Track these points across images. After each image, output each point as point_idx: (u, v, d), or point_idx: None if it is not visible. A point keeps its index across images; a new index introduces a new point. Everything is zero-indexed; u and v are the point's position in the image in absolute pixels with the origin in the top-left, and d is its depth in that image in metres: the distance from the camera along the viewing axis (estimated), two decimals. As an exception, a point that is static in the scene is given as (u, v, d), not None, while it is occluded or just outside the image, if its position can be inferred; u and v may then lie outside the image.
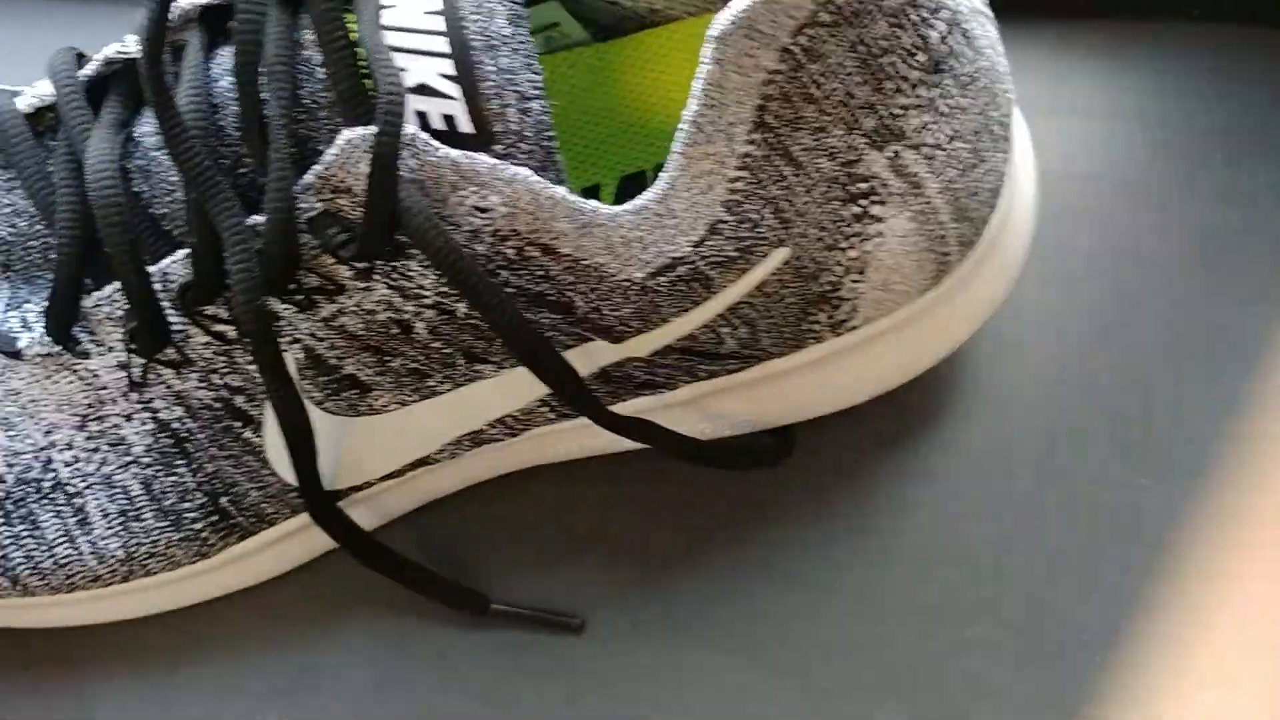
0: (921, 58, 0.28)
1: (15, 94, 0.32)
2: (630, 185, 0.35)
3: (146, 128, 0.30)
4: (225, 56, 0.29)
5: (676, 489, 0.35)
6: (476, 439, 0.33)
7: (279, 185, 0.27)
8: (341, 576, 0.35)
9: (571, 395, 0.29)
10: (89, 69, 0.31)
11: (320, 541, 0.35)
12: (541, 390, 0.31)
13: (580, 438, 0.34)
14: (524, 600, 0.35)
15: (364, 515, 0.34)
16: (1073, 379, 0.36)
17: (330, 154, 0.27)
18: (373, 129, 0.27)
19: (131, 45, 0.30)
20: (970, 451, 0.35)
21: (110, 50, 0.31)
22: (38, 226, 0.31)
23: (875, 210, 0.29)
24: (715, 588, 0.35)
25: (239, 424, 0.32)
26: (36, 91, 0.31)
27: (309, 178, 0.28)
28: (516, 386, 0.31)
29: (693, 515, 0.35)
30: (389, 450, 0.32)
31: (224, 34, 0.30)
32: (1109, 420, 0.35)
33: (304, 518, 0.34)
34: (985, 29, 0.29)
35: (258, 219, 0.28)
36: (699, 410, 0.33)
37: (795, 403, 0.33)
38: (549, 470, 0.35)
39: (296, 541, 0.34)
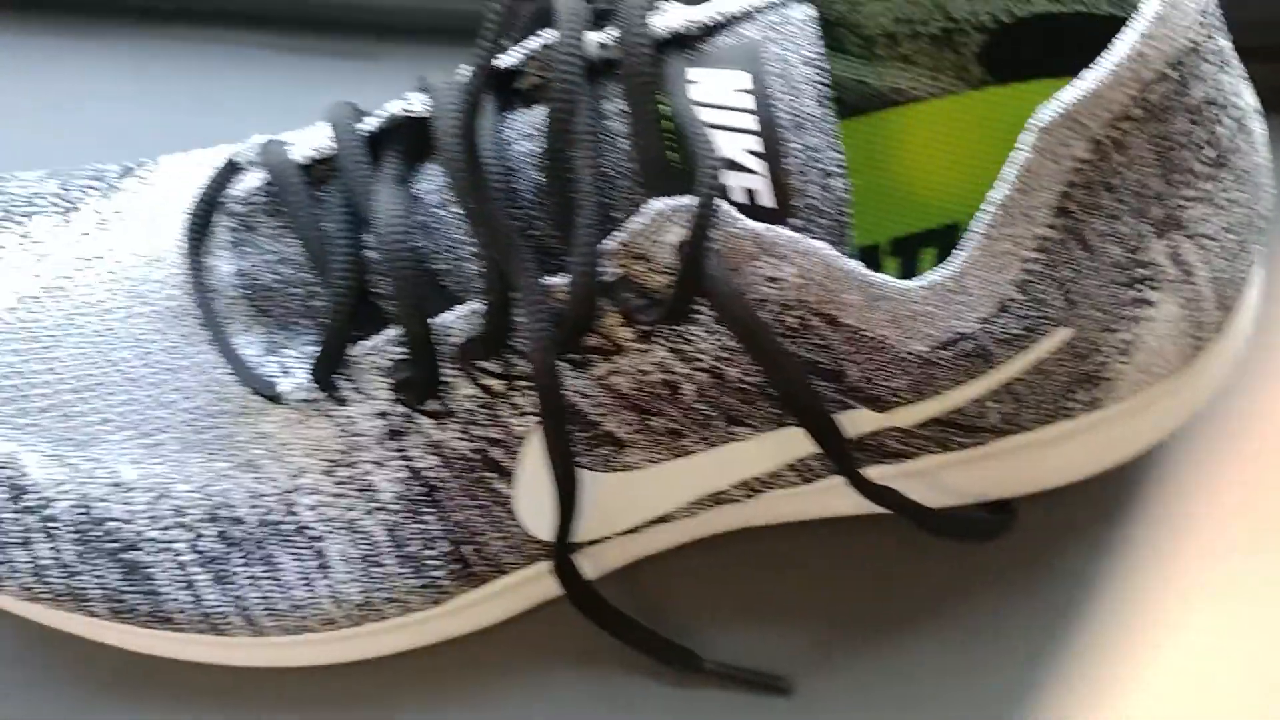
0: (1210, 152, 0.29)
1: (286, 144, 0.32)
2: (863, 258, 0.36)
3: (427, 185, 0.31)
4: (520, 121, 0.30)
5: (895, 556, 0.36)
6: (718, 498, 0.33)
7: (585, 250, 0.28)
8: (554, 626, 0.36)
9: (840, 460, 0.30)
10: (368, 124, 0.31)
11: (539, 592, 0.35)
12: (792, 455, 0.32)
13: (811, 501, 0.34)
14: (732, 659, 0.35)
15: (586, 567, 0.35)
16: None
17: (636, 222, 0.28)
18: (680, 200, 0.28)
19: (416, 104, 0.31)
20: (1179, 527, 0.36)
21: (394, 107, 0.31)
22: (303, 275, 0.32)
23: (1150, 295, 0.30)
24: (927, 657, 0.35)
25: (493, 475, 0.32)
26: (309, 143, 0.32)
27: (610, 244, 0.28)
28: (769, 450, 0.32)
29: (909, 583, 0.36)
30: (634, 506, 0.33)
31: (511, 99, 0.31)
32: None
33: (534, 568, 0.34)
34: (1260, 127, 0.30)
35: (551, 280, 0.29)
36: (927, 480, 0.34)
37: (1024, 477, 0.34)
38: (764, 529, 0.36)
39: (522, 591, 0.35)
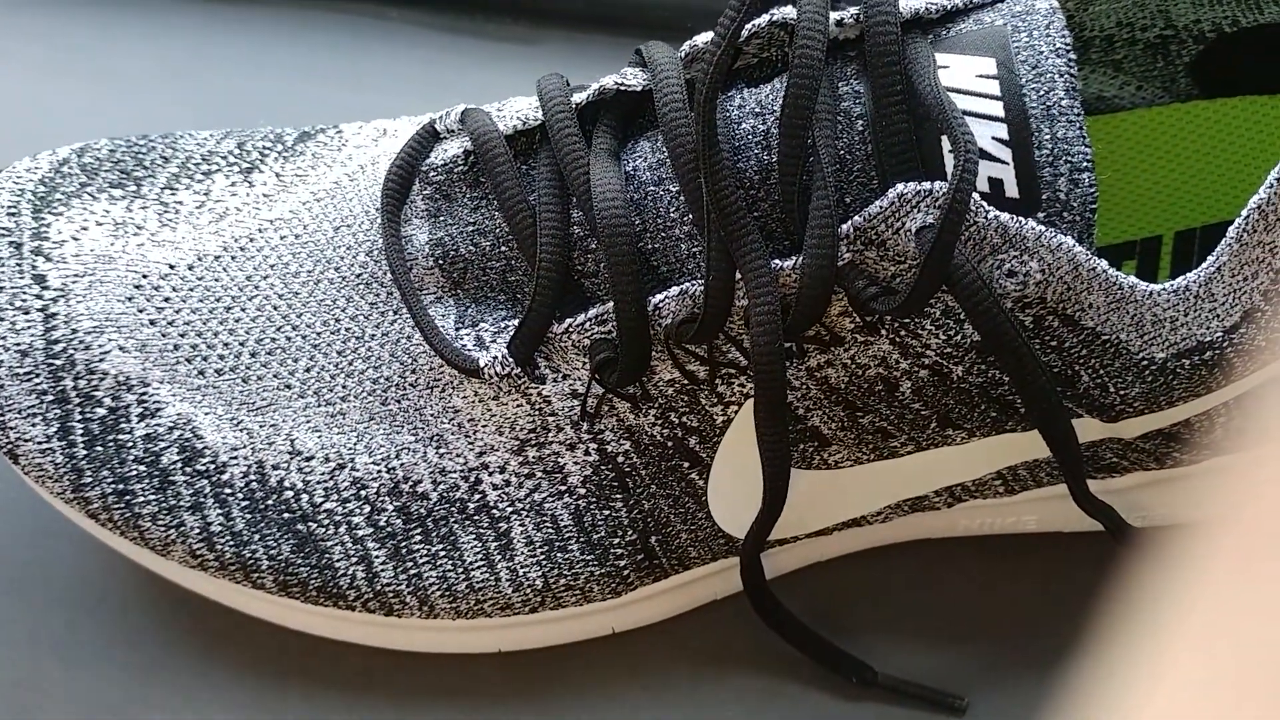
0: None
1: (488, 112, 0.32)
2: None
3: (640, 161, 0.30)
4: (745, 99, 0.29)
5: (1074, 576, 0.35)
6: (916, 504, 0.32)
7: (822, 232, 0.27)
8: (722, 628, 0.35)
9: (1072, 468, 0.29)
10: (580, 96, 0.31)
11: (712, 590, 0.34)
12: (1003, 463, 0.31)
13: (1004, 514, 0.33)
14: (907, 673, 0.34)
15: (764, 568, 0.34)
16: None
17: (876, 206, 0.27)
18: (928, 185, 0.27)
19: (631, 77, 0.30)
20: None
21: (608, 81, 0.30)
22: (502, 248, 0.31)
23: (1394, 315, 0.29)
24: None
25: (687, 464, 0.31)
26: (515, 112, 0.31)
27: (846, 227, 0.27)
28: (980, 457, 0.31)
29: (1088, 603, 0.35)
30: (830, 507, 0.32)
31: (733, 77, 0.30)
32: None
33: (714, 566, 0.33)
34: None
35: (778, 263, 0.28)
36: (1125, 500, 0.33)
37: (1219, 500, 0.33)
38: (944, 542, 0.35)
39: (695, 588, 0.34)
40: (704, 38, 0.30)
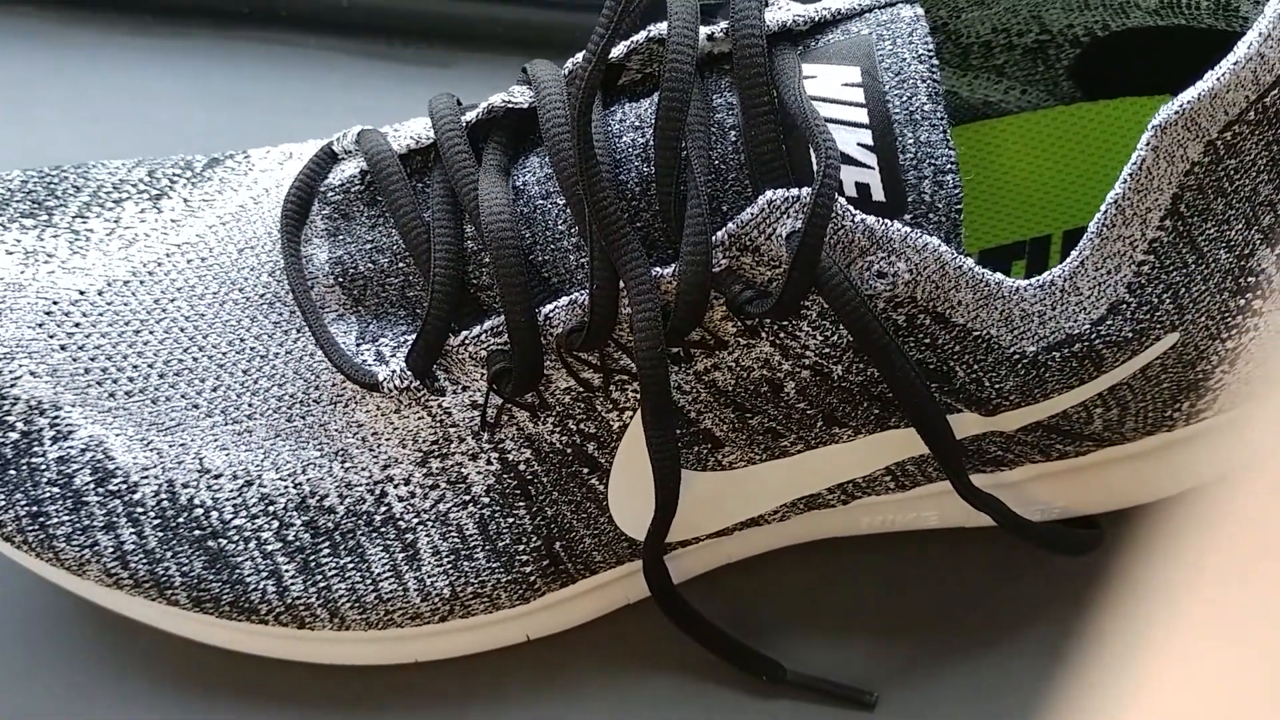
0: (1320, 159, 0.29)
1: (384, 133, 0.33)
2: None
3: (529, 176, 0.31)
4: (626, 113, 0.30)
5: (978, 569, 0.36)
6: (811, 502, 0.33)
7: (696, 240, 0.28)
8: (634, 632, 0.35)
9: (949, 461, 0.29)
10: (470, 115, 0.31)
11: (623, 594, 0.35)
12: (891, 459, 0.32)
13: (903, 509, 0.34)
14: (816, 669, 0.35)
15: (671, 571, 0.34)
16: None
17: (748, 213, 0.28)
18: (795, 191, 0.28)
19: (518, 95, 0.31)
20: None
21: (495, 99, 0.31)
22: (399, 264, 0.32)
23: (1257, 304, 0.29)
24: (1016, 672, 0.35)
25: (587, 470, 0.32)
26: (409, 132, 0.32)
27: (721, 235, 0.28)
28: (868, 453, 0.32)
29: (993, 598, 0.35)
30: (727, 507, 0.33)
31: (614, 92, 0.31)
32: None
33: (622, 569, 0.34)
34: None
35: (659, 271, 0.29)
36: (1017, 492, 0.33)
37: (1115, 492, 0.34)
38: (852, 540, 0.35)
39: (606, 593, 0.34)
40: (584, 55, 0.31)
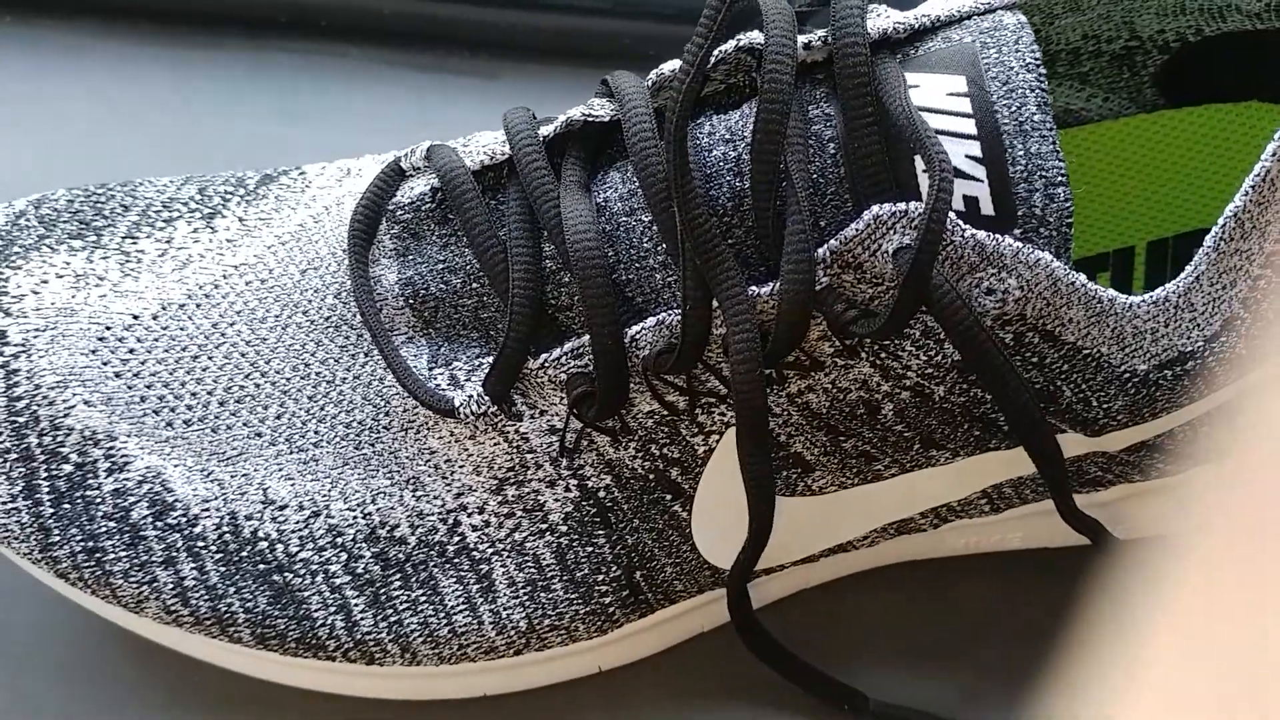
0: None
1: (455, 149, 0.31)
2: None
3: (611, 192, 0.29)
4: (715, 125, 0.29)
5: (1058, 593, 0.34)
6: (902, 527, 0.32)
7: (799, 257, 0.27)
8: (706, 661, 0.34)
9: (1057, 485, 0.28)
10: (547, 129, 0.30)
11: (699, 623, 0.34)
12: (988, 481, 0.31)
13: (989, 532, 0.33)
14: (899, 699, 0.34)
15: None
16: None
17: (853, 229, 0.27)
18: (903, 206, 0.27)
19: (598, 108, 0.30)
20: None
21: (575, 112, 0.30)
22: (474, 285, 0.30)
23: (1372, 319, 0.29)
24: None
25: (670, 497, 0.31)
26: (482, 147, 0.31)
27: (823, 251, 0.27)
28: (965, 476, 0.31)
29: (1073, 618, 0.34)
30: (817, 534, 0.32)
31: (701, 104, 0.29)
32: None
33: (701, 598, 0.33)
34: None
35: (755, 290, 0.28)
36: (1110, 513, 0.32)
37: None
38: (930, 564, 0.34)
39: (683, 622, 0.33)
40: (670, 65, 0.29)
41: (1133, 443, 0.30)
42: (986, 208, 0.27)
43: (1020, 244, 0.27)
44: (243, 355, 0.32)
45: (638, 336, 0.29)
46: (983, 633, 0.34)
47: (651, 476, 0.30)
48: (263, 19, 0.43)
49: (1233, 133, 0.33)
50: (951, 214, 0.27)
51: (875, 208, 0.27)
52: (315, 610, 0.31)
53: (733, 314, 0.27)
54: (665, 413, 0.30)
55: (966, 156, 0.27)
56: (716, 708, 0.34)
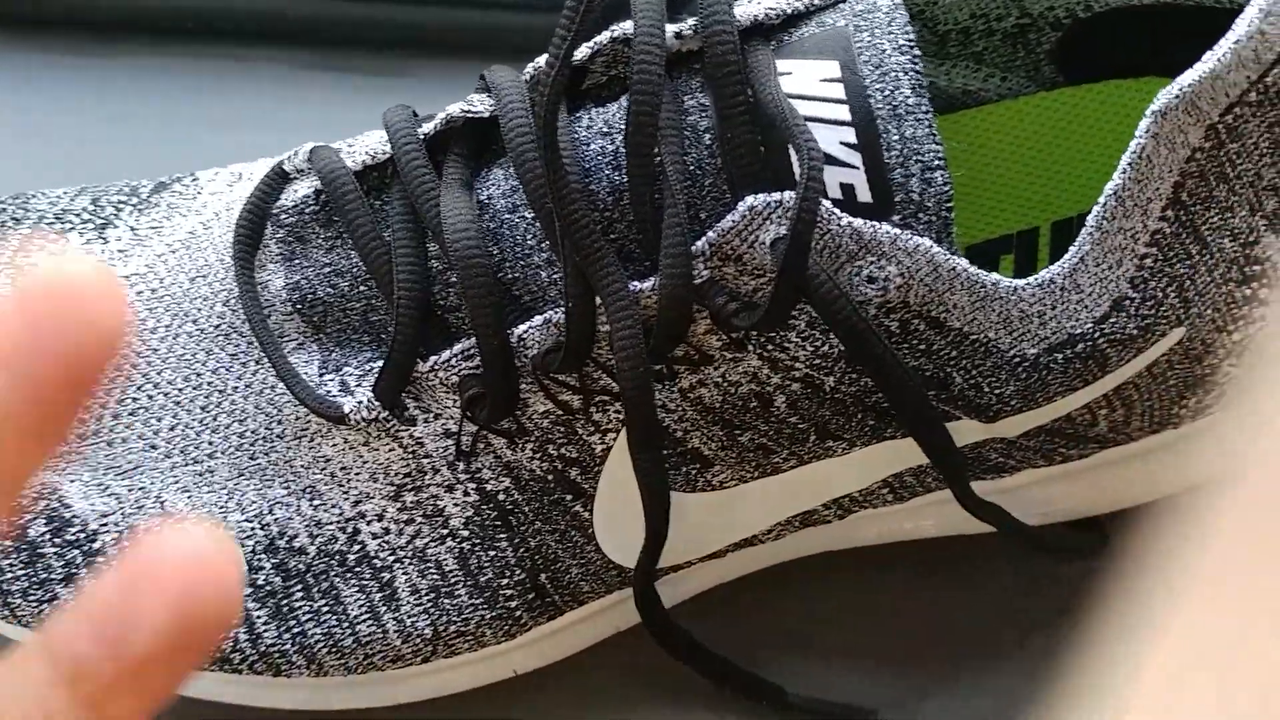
0: (1324, 139, 0.27)
1: (337, 149, 0.31)
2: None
3: (494, 189, 0.29)
4: (593, 119, 0.28)
5: (982, 584, 0.34)
6: (806, 519, 0.32)
7: (676, 251, 0.26)
8: (628, 660, 0.34)
9: (951, 471, 0.28)
10: (428, 126, 0.30)
11: (614, 623, 0.33)
12: (888, 470, 0.30)
13: (901, 521, 0.33)
14: (817, 692, 0.33)
15: (662, 595, 0.33)
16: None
17: (729, 220, 0.26)
18: (778, 196, 0.26)
19: (478, 103, 0.29)
20: None
21: (454, 109, 0.30)
22: (361, 288, 0.30)
23: (1263, 294, 0.28)
24: (1020, 689, 0.33)
25: (570, 497, 0.30)
26: (364, 148, 0.30)
27: (701, 244, 0.27)
28: (864, 466, 0.30)
29: (997, 611, 0.34)
30: (720, 529, 0.31)
31: (579, 97, 0.29)
32: None
33: (610, 598, 0.32)
34: None
35: (638, 285, 0.27)
36: (1020, 499, 0.32)
37: (1121, 493, 0.32)
38: (849, 555, 0.34)
39: (597, 622, 0.33)
40: (545, 59, 0.29)
41: (1031, 428, 0.29)
42: (864, 194, 0.27)
43: (898, 230, 0.26)
44: (134, 367, 0.31)
45: (525, 336, 0.28)
46: (900, 624, 0.34)
47: (550, 477, 0.30)
48: (167, 26, 0.42)
49: (1132, 108, 0.33)
50: (827, 202, 0.26)
51: (750, 199, 0.26)
52: (217, 624, 0.31)
53: (615, 311, 0.27)
54: (560, 412, 0.29)
55: (841, 143, 0.27)
56: (635, 706, 0.34)
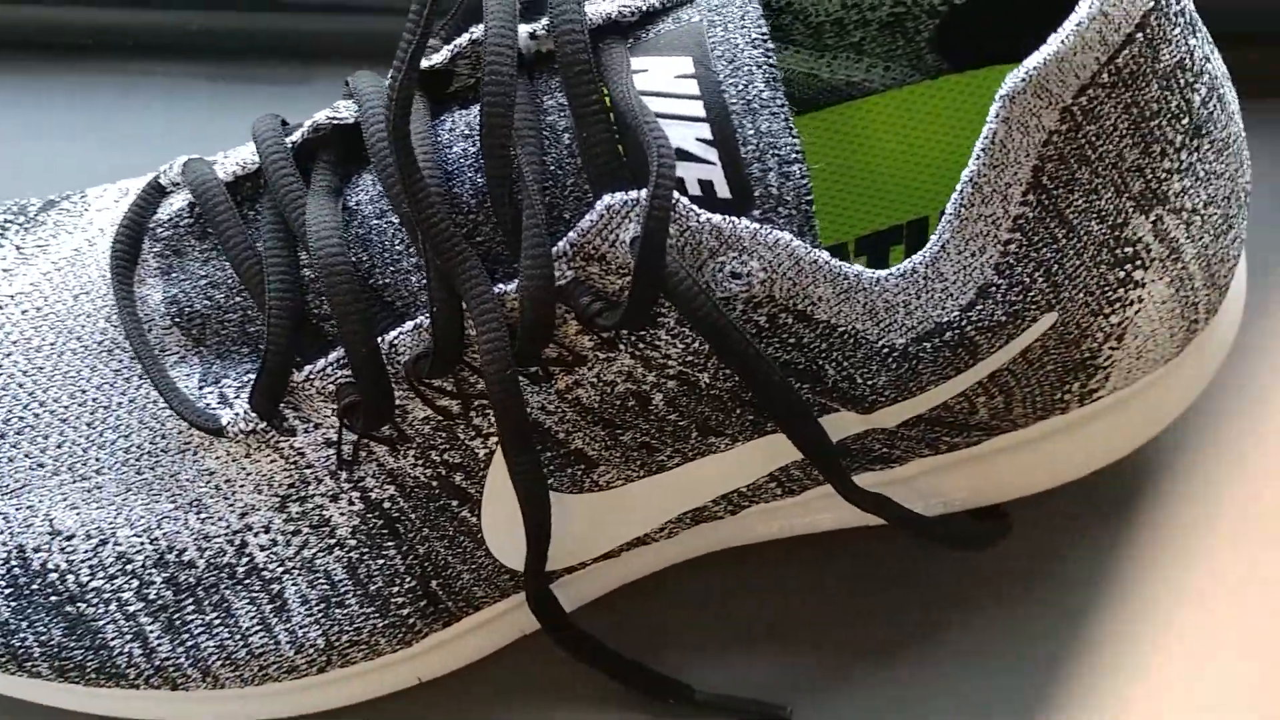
0: (1185, 121, 0.27)
1: (211, 162, 0.31)
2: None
3: (362, 195, 0.29)
4: (455, 122, 0.28)
5: (884, 573, 0.34)
6: (698, 516, 0.31)
7: (536, 253, 0.26)
8: (535, 664, 0.34)
9: (825, 465, 0.28)
10: (295, 135, 0.30)
11: (517, 626, 0.33)
12: (773, 464, 0.30)
13: (796, 515, 0.32)
14: (728, 688, 0.33)
15: (563, 598, 0.33)
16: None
17: (587, 220, 0.26)
18: (634, 194, 0.26)
19: (343, 109, 0.29)
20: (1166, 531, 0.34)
21: (320, 116, 0.29)
22: (237, 299, 0.30)
23: (1138, 275, 0.28)
24: (926, 676, 0.33)
25: (456, 502, 0.30)
26: (235, 159, 0.30)
27: (562, 245, 0.27)
28: (749, 461, 0.30)
29: (901, 599, 0.34)
30: (610, 529, 0.31)
31: (444, 100, 0.29)
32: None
33: (508, 602, 0.32)
34: (1233, 94, 0.29)
35: (503, 288, 0.27)
36: (916, 487, 0.32)
37: (1018, 479, 0.32)
38: (749, 550, 0.34)
39: (498, 626, 0.33)
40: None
41: (908, 417, 0.29)
42: (722, 190, 0.27)
43: (758, 225, 0.26)
44: (20, 386, 0.31)
45: (396, 342, 0.28)
46: (807, 616, 0.34)
47: (435, 483, 0.30)
48: (69, 41, 0.42)
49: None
50: (685, 199, 0.26)
51: (607, 198, 0.26)
52: (111, 639, 0.31)
53: (480, 315, 0.27)
54: (440, 418, 0.29)
55: (697, 139, 0.26)
56: (542, 710, 0.34)
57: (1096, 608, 0.33)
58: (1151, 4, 0.26)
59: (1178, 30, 0.26)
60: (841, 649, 0.34)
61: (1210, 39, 0.28)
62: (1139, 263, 0.28)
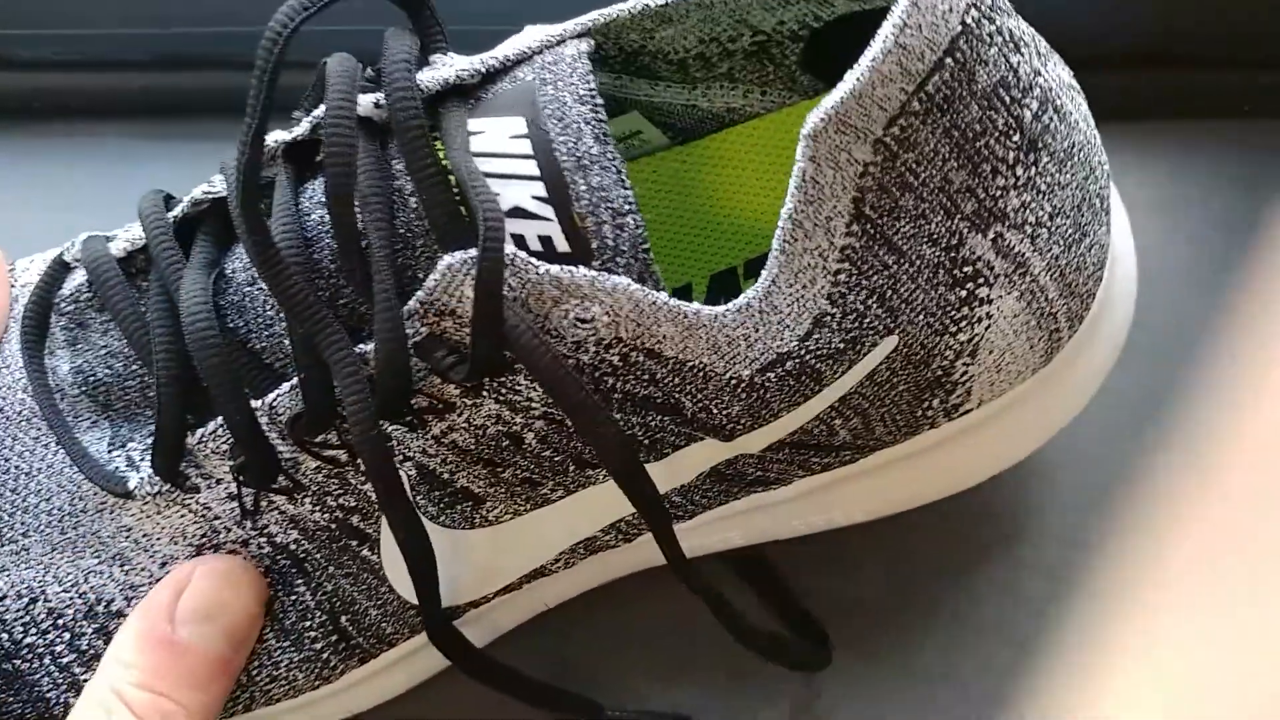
0: (1016, 138, 0.27)
1: (109, 238, 0.32)
2: (721, 282, 0.35)
3: (238, 264, 0.30)
4: (315, 190, 0.29)
5: (800, 587, 0.35)
6: (591, 546, 0.33)
7: (386, 314, 0.27)
8: (457, 695, 0.35)
9: (653, 522, 0.29)
10: (177, 210, 0.31)
11: (437, 661, 0.34)
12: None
13: (710, 534, 0.33)
14: (638, 707, 0.34)
15: (476, 633, 0.34)
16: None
17: (432, 280, 0.27)
18: (472, 252, 0.27)
19: (219, 184, 0.31)
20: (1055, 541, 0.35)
21: (197, 191, 0.31)
22: (134, 367, 0.32)
23: (982, 293, 0.28)
24: (838, 694, 0.34)
25: (356, 542, 0.32)
26: (128, 235, 0.32)
27: (412, 304, 0.28)
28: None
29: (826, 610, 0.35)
30: (506, 561, 0.32)
31: (311, 168, 0.30)
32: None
33: (421, 638, 0.33)
34: (1076, 103, 0.29)
35: (365, 348, 0.28)
36: (812, 504, 0.33)
37: (911, 491, 0.33)
38: (658, 575, 0.35)
39: (418, 660, 0.34)
40: (280, 134, 0.30)
41: (770, 442, 0.30)
42: (561, 244, 0.28)
43: (594, 272, 0.27)
44: None
45: (275, 403, 0.30)
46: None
47: (334, 526, 0.31)
48: (15, 106, 0.44)
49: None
50: (523, 253, 0.27)
51: (448, 257, 0.27)
52: (47, 691, 0.33)
53: (342, 377, 0.28)
54: (330, 466, 0.31)
55: (533, 197, 0.27)
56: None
57: (1079, 610, 0.34)
58: (959, 29, 0.26)
59: (994, 50, 0.27)
60: (752, 670, 0.34)
61: (1042, 52, 0.29)
62: (981, 280, 0.28)
